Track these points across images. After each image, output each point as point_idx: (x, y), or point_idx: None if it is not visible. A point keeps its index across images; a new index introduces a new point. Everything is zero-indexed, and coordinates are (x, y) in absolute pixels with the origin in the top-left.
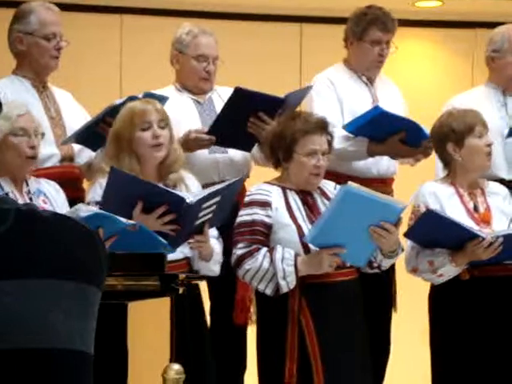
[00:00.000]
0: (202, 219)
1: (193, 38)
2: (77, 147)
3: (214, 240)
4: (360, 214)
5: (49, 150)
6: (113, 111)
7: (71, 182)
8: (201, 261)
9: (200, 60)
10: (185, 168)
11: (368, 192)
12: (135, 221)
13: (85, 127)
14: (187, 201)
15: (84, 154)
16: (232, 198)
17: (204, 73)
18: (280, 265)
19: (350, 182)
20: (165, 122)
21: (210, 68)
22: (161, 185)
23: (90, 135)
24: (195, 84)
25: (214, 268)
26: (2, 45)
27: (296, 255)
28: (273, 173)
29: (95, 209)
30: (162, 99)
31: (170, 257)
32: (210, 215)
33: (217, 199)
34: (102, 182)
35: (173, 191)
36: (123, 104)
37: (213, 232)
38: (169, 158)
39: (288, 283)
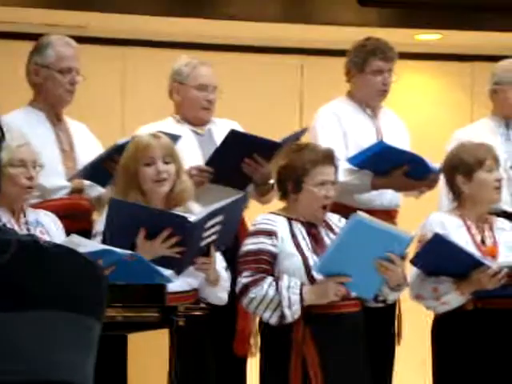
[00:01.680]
0: (207, 240)
1: (192, 68)
2: (87, 181)
3: (221, 267)
4: (368, 245)
5: (58, 182)
6: (117, 150)
7: (80, 214)
8: (208, 286)
9: (201, 89)
10: (194, 199)
11: (378, 222)
12: (140, 248)
13: (90, 165)
14: (190, 219)
15: (95, 188)
16: (237, 217)
17: (205, 102)
18: (286, 293)
19: (359, 212)
20: (170, 158)
21: (211, 97)
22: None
23: (98, 172)
24: (196, 114)
25: (221, 295)
26: (21, 75)
27: (302, 284)
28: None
29: (92, 244)
30: (175, 138)
31: (177, 288)
32: (214, 236)
33: (220, 218)
34: None
35: (174, 212)
36: (126, 144)
37: (221, 262)
38: (174, 192)
39: (293, 312)
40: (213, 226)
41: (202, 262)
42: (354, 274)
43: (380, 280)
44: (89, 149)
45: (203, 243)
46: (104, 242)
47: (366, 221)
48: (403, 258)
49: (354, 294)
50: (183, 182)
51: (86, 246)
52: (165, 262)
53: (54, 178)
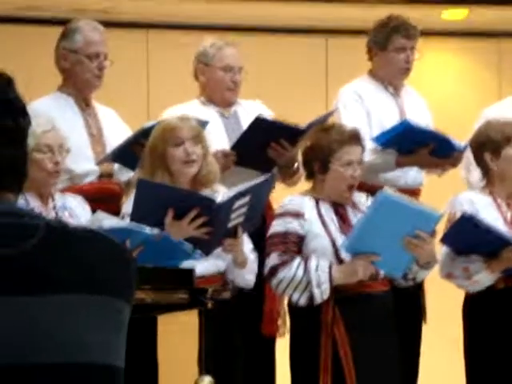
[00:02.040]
0: (235, 221)
1: (217, 49)
2: (117, 165)
3: (248, 249)
4: (396, 222)
5: (88, 167)
6: (144, 133)
7: (110, 198)
8: (236, 268)
9: (226, 70)
10: (220, 182)
11: (405, 199)
12: (168, 228)
13: (118, 148)
14: (217, 200)
15: (124, 172)
16: (263, 199)
17: (230, 83)
18: (314, 273)
19: (386, 188)
20: (198, 139)
21: (236, 78)
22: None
23: (126, 155)
24: (222, 95)
25: (248, 277)
26: (50, 62)
27: (331, 264)
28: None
29: (117, 220)
30: (203, 124)
31: (205, 271)
32: (241, 218)
33: (247, 199)
34: None
35: (201, 193)
36: (153, 127)
37: (248, 244)
38: (201, 173)
39: (322, 292)
40: (240, 207)
41: (230, 243)
42: (383, 252)
43: (409, 258)
44: (117, 133)
45: (230, 224)
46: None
47: (394, 197)
48: (432, 235)
49: (382, 274)
50: (210, 164)
51: (112, 221)
52: (193, 242)
53: (83, 162)
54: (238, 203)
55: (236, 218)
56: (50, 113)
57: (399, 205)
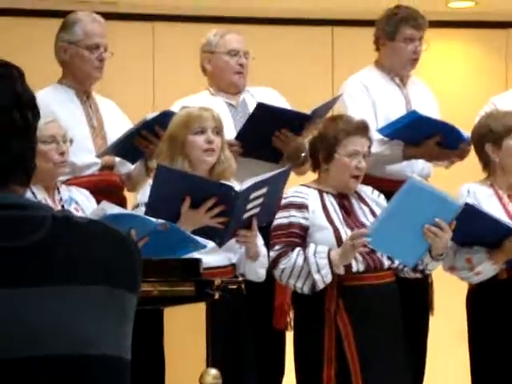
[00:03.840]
0: (251, 212)
1: (221, 37)
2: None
3: (260, 243)
4: (419, 210)
5: (89, 159)
6: (146, 125)
7: (111, 190)
8: (248, 261)
9: (232, 54)
10: (235, 177)
11: (431, 186)
12: (184, 216)
13: (119, 141)
14: (236, 189)
15: (126, 164)
16: (279, 191)
17: (237, 66)
18: (313, 258)
19: (414, 175)
20: (220, 130)
21: (243, 61)
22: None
23: (127, 148)
24: (230, 79)
25: (260, 271)
26: (51, 54)
27: (329, 249)
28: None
29: (121, 209)
30: None
31: (216, 263)
32: (257, 209)
33: (264, 190)
34: None
35: (220, 182)
36: (156, 118)
37: (260, 239)
38: (219, 166)
39: (323, 277)
40: (256, 198)
41: (244, 234)
42: (400, 240)
43: (424, 248)
44: (118, 125)
45: (246, 215)
46: (147, 212)
47: (422, 184)
48: (450, 225)
49: (387, 265)
50: (227, 158)
51: (116, 211)
52: (208, 232)
53: (84, 154)
54: (254, 194)
55: (252, 209)
56: (51, 105)
57: (425, 191)
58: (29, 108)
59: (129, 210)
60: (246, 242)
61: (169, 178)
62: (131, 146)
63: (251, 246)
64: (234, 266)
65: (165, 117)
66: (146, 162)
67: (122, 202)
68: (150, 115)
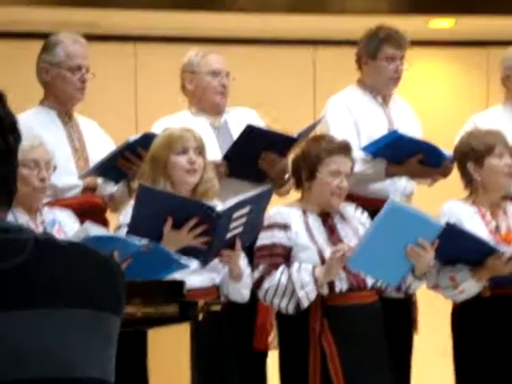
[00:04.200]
0: (234, 232)
1: (202, 57)
2: (100, 179)
3: (245, 264)
4: (400, 230)
5: (71, 181)
6: (129, 147)
7: (93, 212)
8: (231, 282)
9: (213, 75)
10: (219, 197)
11: (411, 207)
12: (166, 236)
13: (101, 162)
14: (217, 209)
15: (108, 186)
16: (262, 210)
17: (220, 87)
18: (297, 275)
19: (392, 198)
20: (201, 150)
21: (224, 81)
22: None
23: (110, 169)
24: (211, 100)
25: (243, 291)
26: (31, 75)
27: (314, 267)
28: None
29: (105, 230)
30: None
31: (199, 284)
32: (240, 228)
33: (247, 209)
34: None
35: (202, 202)
36: (138, 140)
37: (244, 259)
38: (202, 185)
39: (307, 294)
40: (239, 218)
41: (228, 254)
42: (383, 261)
43: (408, 267)
44: (100, 146)
45: (229, 235)
46: (129, 233)
47: (401, 206)
48: (432, 245)
49: (370, 284)
50: (210, 178)
51: (99, 232)
52: (190, 252)
53: (67, 176)
54: (237, 213)
55: (235, 229)
56: (33, 127)
57: (406, 213)
58: (10, 131)
59: (111, 232)
60: (230, 262)
61: (150, 198)
62: (114, 167)
63: (235, 267)
64: (217, 287)
65: (147, 139)
66: (128, 183)
67: (104, 224)
68: (133, 137)
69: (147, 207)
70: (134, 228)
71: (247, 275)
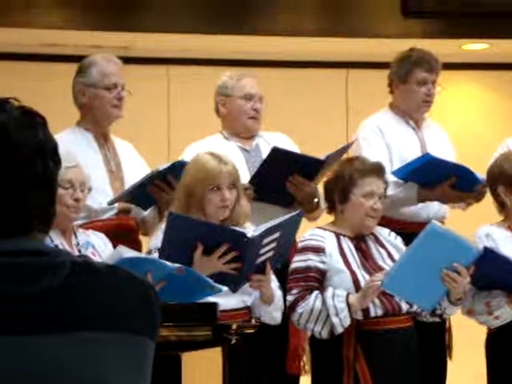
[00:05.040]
0: (264, 257)
1: (237, 80)
2: None
3: (276, 286)
4: (437, 254)
5: (106, 204)
6: (159, 175)
7: (127, 234)
8: (263, 305)
9: (247, 99)
10: (249, 221)
11: (451, 231)
12: (197, 263)
13: (131, 189)
14: (248, 235)
15: (141, 210)
16: (292, 235)
17: (252, 111)
18: (331, 301)
19: (434, 221)
20: (235, 183)
21: (257, 106)
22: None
23: (139, 196)
24: (244, 124)
25: (275, 314)
26: (68, 98)
27: (348, 293)
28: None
29: (137, 253)
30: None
31: (231, 305)
32: (271, 253)
33: (277, 235)
34: None
35: (232, 228)
36: (168, 169)
37: (275, 281)
38: (233, 215)
39: (341, 320)
40: (270, 243)
41: (258, 278)
42: (417, 284)
43: (442, 291)
44: (135, 169)
45: (260, 260)
46: (160, 257)
47: (442, 229)
48: (468, 270)
49: (405, 309)
50: (242, 206)
51: (132, 254)
52: (221, 278)
53: (102, 199)
54: (268, 239)
55: (265, 254)
56: (69, 148)
57: (445, 237)
58: (51, 157)
59: (144, 255)
60: (260, 286)
61: (181, 225)
62: (143, 193)
63: (265, 291)
64: (248, 308)
65: (176, 167)
66: (159, 209)
67: (137, 246)
68: (163, 166)
69: (177, 234)
70: (164, 254)
71: (278, 298)
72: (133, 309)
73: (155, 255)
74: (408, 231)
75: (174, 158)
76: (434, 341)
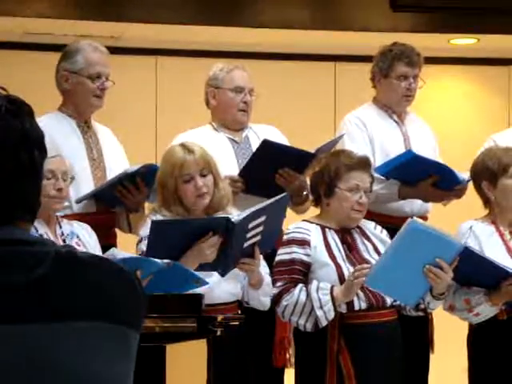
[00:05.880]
0: (251, 241)
1: (227, 72)
2: None
3: (265, 272)
4: (420, 251)
5: (87, 191)
6: (127, 177)
7: (105, 228)
8: (251, 290)
9: (237, 91)
10: (232, 205)
11: (432, 227)
12: (189, 257)
13: (99, 189)
14: (232, 220)
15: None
16: (279, 218)
17: (242, 104)
18: (315, 294)
19: (415, 218)
20: (207, 170)
21: (247, 99)
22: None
23: (107, 196)
24: (233, 117)
25: (263, 299)
26: (55, 88)
27: (332, 286)
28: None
29: (129, 253)
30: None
31: (220, 299)
32: (258, 237)
33: (263, 218)
34: (153, 217)
35: (215, 216)
36: (137, 171)
37: (265, 268)
38: (214, 200)
39: (325, 313)
40: (256, 227)
41: (246, 262)
42: (401, 280)
43: (425, 288)
44: (116, 157)
45: (247, 244)
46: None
47: (422, 226)
48: (451, 265)
49: (389, 303)
50: (222, 189)
51: (125, 255)
52: (209, 263)
53: (84, 188)
54: (253, 223)
55: (252, 238)
56: (54, 136)
57: (426, 233)
58: (37, 146)
59: (136, 255)
60: (249, 269)
61: (164, 230)
62: (111, 194)
63: (253, 275)
64: (238, 302)
65: (146, 169)
66: (127, 209)
67: (113, 240)
68: (131, 168)
69: (163, 238)
70: (152, 256)
71: (267, 283)
72: (118, 299)
73: (145, 243)
74: (392, 225)
75: (161, 148)
76: (417, 334)
